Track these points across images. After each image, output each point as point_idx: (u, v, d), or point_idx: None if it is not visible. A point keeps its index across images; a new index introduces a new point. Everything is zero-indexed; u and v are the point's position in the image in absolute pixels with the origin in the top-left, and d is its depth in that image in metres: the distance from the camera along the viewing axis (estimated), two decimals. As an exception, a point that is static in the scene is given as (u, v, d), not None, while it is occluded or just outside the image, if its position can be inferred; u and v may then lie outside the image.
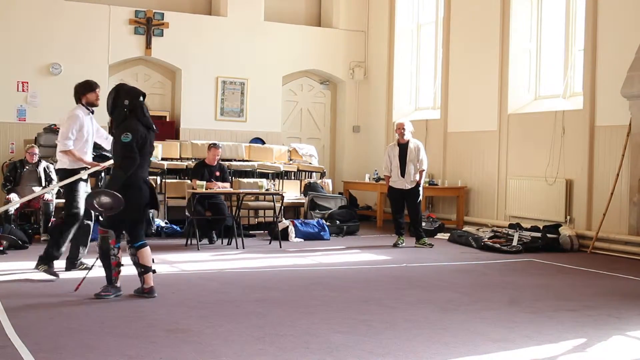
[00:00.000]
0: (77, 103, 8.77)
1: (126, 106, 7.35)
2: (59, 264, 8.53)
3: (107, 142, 9.10)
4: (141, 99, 7.48)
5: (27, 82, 14.49)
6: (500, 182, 13.98)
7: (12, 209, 11.36)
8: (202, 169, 11.88)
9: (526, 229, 12.35)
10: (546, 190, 12.92)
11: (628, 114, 11.47)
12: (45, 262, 8.40)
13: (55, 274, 8.37)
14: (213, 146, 12.16)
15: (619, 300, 7.89)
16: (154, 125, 7.61)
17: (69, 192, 8.61)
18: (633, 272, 9.78)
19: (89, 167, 8.72)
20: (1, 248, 10.20)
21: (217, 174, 11.90)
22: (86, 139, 8.73)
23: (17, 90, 14.45)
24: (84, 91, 8.76)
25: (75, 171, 8.62)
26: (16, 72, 14.45)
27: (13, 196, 11.55)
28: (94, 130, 8.88)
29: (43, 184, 11.84)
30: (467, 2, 14.84)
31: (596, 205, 12.03)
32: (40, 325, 6.14)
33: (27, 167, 11.95)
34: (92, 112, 8.83)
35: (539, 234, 12.00)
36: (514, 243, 11.68)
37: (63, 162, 8.71)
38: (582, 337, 6.15)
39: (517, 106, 13.88)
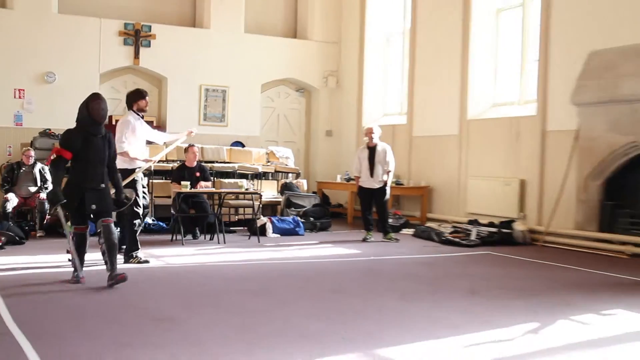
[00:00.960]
0: (128, 109, 9.36)
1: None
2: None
3: (160, 138, 10.04)
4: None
5: (24, 90, 14.42)
6: (460, 182, 14.03)
7: (9, 207, 11.37)
8: (183, 172, 11.85)
9: (483, 225, 12.45)
10: (502, 189, 12.98)
11: (576, 120, 11.59)
12: (131, 255, 8.94)
13: (145, 261, 8.97)
14: (190, 147, 12.11)
15: (566, 289, 7.97)
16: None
17: (131, 189, 8.81)
18: (578, 264, 9.87)
19: (144, 164, 9.28)
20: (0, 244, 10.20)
21: (197, 174, 11.84)
22: (139, 140, 9.17)
23: (14, 97, 14.37)
24: (136, 98, 9.29)
25: (132, 170, 9.03)
26: (13, 80, 14.38)
27: (11, 195, 11.56)
28: (145, 131, 9.34)
29: (38, 184, 11.85)
30: (431, 16, 14.90)
31: (546, 203, 12.13)
32: (37, 315, 6.15)
33: (23, 169, 11.95)
34: (142, 117, 9.33)
35: (495, 229, 12.10)
36: (472, 237, 11.79)
37: (121, 162, 8.83)
38: (534, 321, 6.23)
39: (476, 112, 13.94)
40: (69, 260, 7.90)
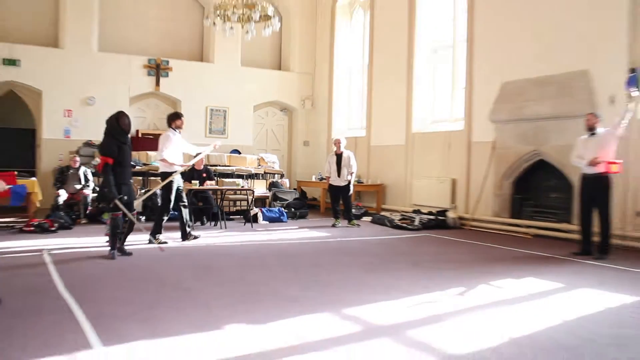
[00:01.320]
0: (168, 127, 9.47)
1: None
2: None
3: (192, 149, 9.93)
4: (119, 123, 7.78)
5: (71, 110, 14.40)
6: (406, 180, 14.08)
7: (60, 200, 11.32)
8: (193, 173, 11.86)
9: (424, 213, 12.50)
10: (438, 186, 13.05)
11: (493, 133, 11.72)
12: (154, 235, 9.13)
13: (164, 242, 9.06)
14: (198, 154, 12.09)
15: (487, 261, 8.05)
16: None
17: (166, 188, 9.12)
18: (495, 242, 9.97)
19: (180, 168, 9.35)
20: (53, 228, 10.16)
21: (204, 175, 11.82)
22: (176, 151, 9.29)
23: (64, 116, 14.39)
24: (174, 119, 9.48)
25: (170, 173, 9.13)
26: (63, 103, 14.39)
27: (61, 191, 11.52)
28: (181, 144, 9.45)
29: (82, 183, 11.80)
30: (384, 53, 14.94)
31: (471, 196, 12.23)
32: (82, 283, 6.15)
33: (71, 171, 11.88)
34: (179, 132, 9.43)
35: (433, 217, 12.15)
36: (416, 223, 11.82)
37: (162, 167, 9.28)
38: (462, 286, 6.30)
39: (419, 127, 13.98)
40: (106, 241, 7.91)
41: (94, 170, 11.96)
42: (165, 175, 9.17)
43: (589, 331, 4.66)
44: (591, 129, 8.49)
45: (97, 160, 7.92)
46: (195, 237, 9.56)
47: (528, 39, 11.17)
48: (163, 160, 9.17)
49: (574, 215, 10.14)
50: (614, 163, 8.24)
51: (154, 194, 10.61)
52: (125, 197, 7.73)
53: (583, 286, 6.43)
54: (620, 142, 8.51)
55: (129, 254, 7.91)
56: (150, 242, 8.99)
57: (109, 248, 7.73)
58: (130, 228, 7.99)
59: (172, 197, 9.19)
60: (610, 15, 9.74)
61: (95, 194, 11.38)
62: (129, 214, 7.81)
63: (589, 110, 9.34)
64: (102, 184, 7.87)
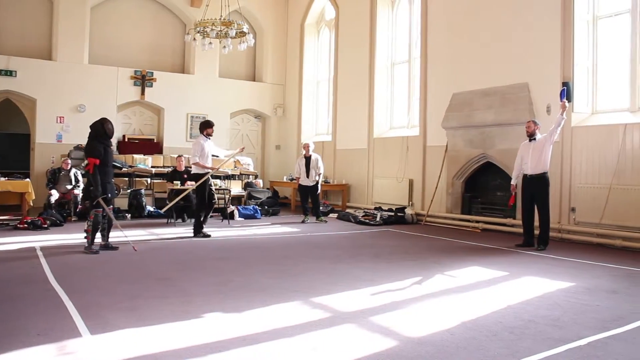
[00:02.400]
0: (200, 133, 9.63)
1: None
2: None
3: (221, 153, 10.23)
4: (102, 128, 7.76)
5: (63, 117, 14.21)
6: (368, 180, 14.09)
7: (52, 200, 11.10)
8: (175, 174, 11.77)
9: (385, 210, 12.51)
10: (397, 186, 13.09)
11: (445, 138, 11.80)
12: (200, 231, 9.35)
13: (207, 235, 9.35)
14: (179, 157, 12.22)
15: (441, 253, 8.09)
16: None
17: (201, 189, 9.40)
18: (448, 236, 10.05)
19: (211, 170, 9.55)
20: (45, 225, 9.96)
21: (185, 176, 11.70)
22: (207, 155, 9.48)
23: (57, 122, 14.21)
24: (205, 127, 9.62)
25: (202, 175, 9.38)
26: (56, 110, 14.24)
27: (53, 191, 11.30)
28: (210, 149, 9.60)
29: (73, 183, 11.59)
30: (347, 66, 14.93)
31: (427, 194, 12.27)
32: (72, 275, 6.03)
33: (62, 172, 11.65)
34: (210, 138, 9.59)
35: (392, 213, 12.17)
36: (377, 219, 11.83)
37: (195, 169, 9.53)
38: (419, 275, 6.32)
39: (379, 133, 14.01)
40: (85, 237, 7.75)
41: (84, 172, 11.75)
42: (198, 176, 9.42)
43: (530, 314, 4.71)
44: (531, 135, 8.63)
45: (86, 161, 7.76)
46: (206, 236, 9.40)
47: (475, 56, 11.27)
48: (196, 163, 9.43)
49: (518, 211, 10.28)
50: None
51: (188, 193, 10.58)
52: (109, 195, 7.74)
53: (525, 274, 6.51)
54: (557, 145, 8.65)
55: (115, 248, 7.79)
56: (203, 235, 9.33)
57: (88, 243, 7.61)
58: (109, 224, 7.89)
59: (207, 196, 9.46)
60: (546, 36, 9.89)
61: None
62: (109, 211, 7.73)
63: (529, 118, 9.49)
64: (88, 183, 7.77)
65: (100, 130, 7.65)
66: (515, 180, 8.80)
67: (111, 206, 7.98)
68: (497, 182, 11.09)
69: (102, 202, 7.56)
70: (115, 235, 8.19)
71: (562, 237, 9.43)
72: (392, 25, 14.13)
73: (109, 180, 7.77)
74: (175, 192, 11.20)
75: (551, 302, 5.14)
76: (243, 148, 10.41)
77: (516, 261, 7.43)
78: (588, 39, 9.68)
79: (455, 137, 11.56)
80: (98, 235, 7.74)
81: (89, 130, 7.74)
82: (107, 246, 7.80)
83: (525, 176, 8.61)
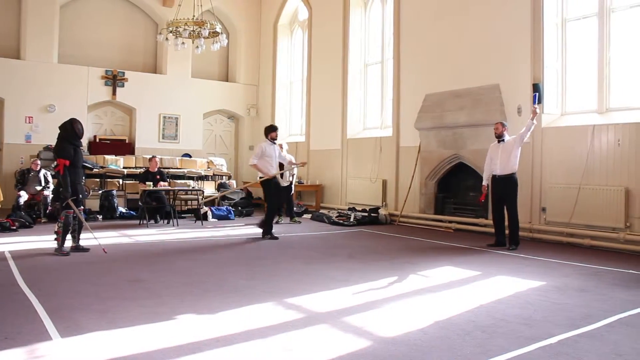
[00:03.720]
0: (265, 137, 9.80)
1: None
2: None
3: (285, 160, 10.37)
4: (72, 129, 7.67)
5: (32, 117, 14.00)
6: (342, 181, 14.11)
7: (21, 201, 10.90)
8: (147, 175, 11.65)
9: (359, 211, 12.54)
10: (370, 186, 13.12)
11: (418, 139, 11.88)
12: (269, 232, 9.45)
13: (275, 237, 9.42)
14: (152, 158, 12.08)
15: (414, 253, 8.13)
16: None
17: (267, 191, 9.62)
18: (422, 236, 10.11)
19: (270, 175, 9.62)
20: (14, 227, 9.80)
21: (158, 177, 11.64)
22: (269, 160, 9.56)
23: (25, 122, 14.00)
24: (269, 131, 9.84)
25: (268, 178, 9.57)
26: (25, 110, 14.03)
27: (22, 192, 11.12)
28: (276, 154, 9.74)
29: (42, 184, 11.41)
30: (321, 67, 14.95)
31: (400, 194, 12.33)
32: (41, 278, 5.92)
33: (32, 173, 11.50)
34: (274, 143, 9.76)
35: (366, 214, 12.19)
36: (351, 220, 11.86)
37: (259, 173, 9.78)
38: (392, 276, 6.36)
39: (353, 133, 14.05)
40: (55, 238, 7.64)
41: (53, 173, 11.55)
42: (264, 180, 9.59)
43: (502, 313, 4.77)
44: (499, 137, 8.76)
45: (55, 162, 7.63)
46: (274, 238, 9.45)
47: (447, 57, 11.38)
48: (253, 165, 9.62)
49: (489, 211, 10.40)
50: None
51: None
52: (80, 196, 7.66)
53: (497, 274, 6.59)
54: (528, 146, 8.78)
55: (86, 250, 7.69)
56: (270, 237, 9.44)
57: (58, 245, 7.51)
58: (80, 226, 7.79)
59: (276, 197, 9.68)
60: (516, 38, 10.03)
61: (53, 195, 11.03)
62: (79, 213, 7.64)
63: (500, 119, 9.62)
64: (58, 184, 7.66)
65: (70, 130, 7.56)
66: (487, 181, 8.90)
67: (82, 207, 7.88)
68: (469, 183, 11.20)
69: (71, 203, 7.47)
70: (85, 237, 8.07)
71: (532, 236, 9.57)
72: (365, 26, 14.21)
73: (79, 181, 7.68)
74: (147, 193, 11.12)
75: (522, 301, 5.22)
76: (305, 163, 10.57)
77: (488, 261, 7.52)
78: (557, 41, 9.85)
79: (428, 137, 11.64)
80: (69, 237, 7.63)
81: (58, 131, 7.64)
82: (77, 248, 7.71)
83: (494, 177, 8.73)
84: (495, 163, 8.67)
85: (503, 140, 8.68)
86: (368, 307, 4.93)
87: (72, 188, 7.43)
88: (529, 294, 5.52)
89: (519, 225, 8.68)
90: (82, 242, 7.84)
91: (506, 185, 8.56)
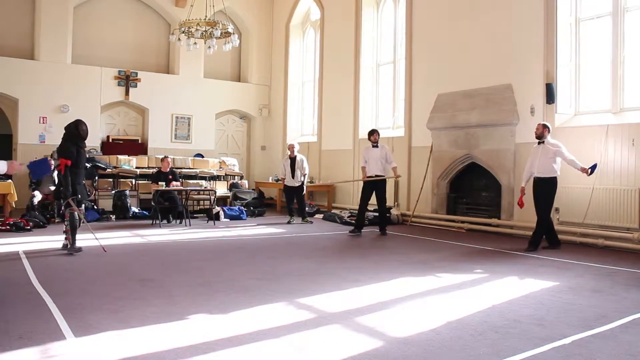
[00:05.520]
0: (368, 140, 10.47)
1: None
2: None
3: (388, 161, 10.39)
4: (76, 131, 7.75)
5: (46, 117, 14.02)
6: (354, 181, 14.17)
7: (35, 201, 10.98)
8: (160, 175, 11.70)
9: (370, 211, 12.41)
10: (382, 186, 13.12)
11: (430, 139, 11.84)
12: (359, 230, 10.29)
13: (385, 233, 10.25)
14: (165, 158, 12.07)
15: (426, 253, 8.11)
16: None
17: (361, 192, 10.37)
18: (434, 236, 10.07)
19: (370, 177, 10.23)
20: (28, 227, 9.87)
21: (170, 177, 11.69)
22: (372, 161, 10.20)
23: (39, 123, 14.03)
24: (370, 134, 10.41)
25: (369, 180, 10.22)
26: (39, 110, 14.08)
27: (36, 193, 11.19)
28: (378, 156, 10.22)
29: (56, 185, 11.44)
30: (333, 67, 14.95)
31: (412, 195, 12.30)
32: (55, 277, 5.98)
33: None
34: (377, 146, 10.27)
35: (378, 214, 12.18)
36: (363, 219, 11.87)
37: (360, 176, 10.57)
38: (404, 276, 6.33)
39: (364, 134, 13.85)
40: (65, 237, 7.71)
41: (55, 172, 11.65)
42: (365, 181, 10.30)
43: (514, 313, 4.74)
44: (539, 138, 8.41)
45: (57, 161, 7.72)
46: (384, 234, 10.16)
47: (459, 57, 11.33)
48: (362, 168, 10.40)
49: (503, 211, 10.35)
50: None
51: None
52: (79, 196, 7.71)
53: (510, 274, 6.54)
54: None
55: (79, 250, 7.69)
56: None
57: (69, 243, 7.58)
58: (78, 225, 7.84)
59: (365, 198, 10.25)
60: (529, 38, 9.97)
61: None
62: (78, 212, 7.69)
63: (513, 119, 9.56)
64: (59, 184, 7.72)
65: (74, 131, 7.66)
66: (525, 183, 8.58)
67: (82, 207, 7.94)
68: (482, 183, 11.15)
69: (72, 202, 7.54)
70: (86, 237, 8.14)
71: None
72: (377, 26, 14.17)
73: (80, 181, 7.74)
74: (160, 193, 11.17)
75: (535, 302, 5.18)
76: (399, 176, 10.84)
77: (500, 261, 7.47)
78: (571, 40, 9.78)
79: (440, 137, 11.60)
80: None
81: (64, 132, 7.77)
82: (73, 249, 7.70)
83: (534, 178, 8.47)
84: (534, 165, 8.42)
85: (543, 141, 8.40)
86: (380, 307, 4.91)
87: (72, 187, 7.51)
88: (542, 295, 5.47)
89: (544, 230, 8.42)
90: (90, 242, 7.88)
91: (544, 186, 8.28)
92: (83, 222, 7.85)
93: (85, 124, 7.82)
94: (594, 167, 8.08)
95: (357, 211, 10.60)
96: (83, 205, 8.07)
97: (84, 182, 7.96)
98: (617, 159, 8.74)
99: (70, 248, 7.53)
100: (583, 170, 8.10)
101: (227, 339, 3.97)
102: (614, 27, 9.19)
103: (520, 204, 8.58)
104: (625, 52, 9.12)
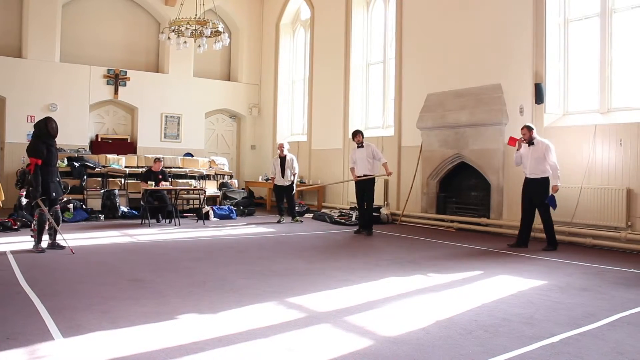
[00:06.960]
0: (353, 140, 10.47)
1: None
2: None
3: (377, 161, 10.25)
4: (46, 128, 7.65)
5: (34, 116, 13.78)
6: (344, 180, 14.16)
7: (23, 201, 10.89)
8: (150, 175, 11.66)
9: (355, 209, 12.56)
10: (372, 186, 13.14)
11: (420, 139, 11.89)
12: (364, 229, 10.31)
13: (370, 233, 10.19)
14: (157, 160, 11.96)
15: (415, 252, 8.13)
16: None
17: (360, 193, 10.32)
18: (424, 235, 10.12)
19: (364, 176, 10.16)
20: (16, 227, 9.79)
21: (160, 177, 11.66)
22: (356, 163, 10.22)
23: (27, 121, 13.83)
24: (354, 136, 10.35)
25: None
26: (27, 109, 13.96)
27: (24, 192, 11.08)
28: (364, 156, 10.12)
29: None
30: (323, 66, 14.96)
31: (402, 194, 12.35)
32: (43, 277, 5.92)
33: (33, 172, 11.48)
34: (362, 146, 10.19)
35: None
36: (353, 219, 11.83)
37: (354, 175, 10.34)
38: (394, 275, 6.34)
39: (354, 133, 14.07)
40: (32, 236, 7.72)
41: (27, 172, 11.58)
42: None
43: (504, 312, 4.76)
44: (529, 141, 8.47)
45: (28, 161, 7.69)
46: (369, 234, 10.16)
47: (449, 57, 11.38)
48: (351, 170, 10.42)
49: (492, 210, 10.40)
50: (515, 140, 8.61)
51: None
52: (54, 194, 7.66)
53: (499, 273, 6.58)
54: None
55: (62, 247, 7.73)
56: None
57: (35, 242, 7.60)
58: (57, 223, 7.81)
59: (360, 199, 10.23)
60: (518, 38, 10.03)
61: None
62: (47, 213, 7.62)
63: (502, 119, 9.60)
64: (28, 183, 7.66)
65: (44, 129, 7.57)
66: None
67: (58, 205, 7.89)
68: (471, 182, 11.19)
69: (40, 203, 7.50)
70: (75, 237, 8.07)
71: (534, 235, 9.52)
72: (368, 25, 14.21)
73: (53, 179, 7.67)
74: (149, 192, 11.12)
75: (525, 300, 5.21)
76: (390, 173, 10.67)
77: (490, 260, 7.51)
78: (560, 41, 9.85)
79: (429, 137, 11.63)
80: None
81: (33, 130, 7.68)
82: (54, 245, 7.80)
83: (525, 178, 8.58)
84: (525, 165, 8.52)
85: (533, 143, 8.45)
86: (370, 307, 4.92)
87: (43, 187, 7.46)
88: (531, 293, 5.50)
89: (553, 227, 8.50)
90: (80, 242, 7.84)
91: (536, 187, 8.38)
92: (51, 223, 7.73)
93: (55, 122, 7.71)
94: (552, 200, 8.25)
95: (357, 211, 10.62)
96: (58, 204, 7.99)
97: (58, 179, 7.86)
98: (604, 159, 8.82)
99: (34, 247, 7.57)
100: (553, 188, 8.30)
101: (217, 338, 3.96)
102: (602, 28, 9.27)
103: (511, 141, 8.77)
104: (613, 53, 9.19)
